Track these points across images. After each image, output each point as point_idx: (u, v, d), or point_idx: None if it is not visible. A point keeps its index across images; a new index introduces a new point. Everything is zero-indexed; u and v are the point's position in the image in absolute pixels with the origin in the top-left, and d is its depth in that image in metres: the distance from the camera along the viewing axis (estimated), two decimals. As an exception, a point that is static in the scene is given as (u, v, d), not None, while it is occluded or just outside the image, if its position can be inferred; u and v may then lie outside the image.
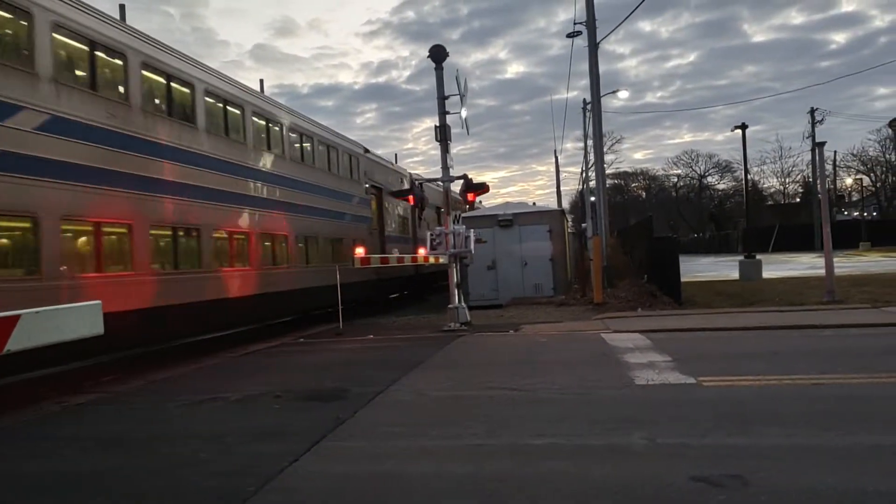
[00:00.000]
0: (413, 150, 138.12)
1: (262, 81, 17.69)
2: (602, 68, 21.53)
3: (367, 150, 22.81)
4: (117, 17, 11.73)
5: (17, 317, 4.36)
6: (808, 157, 61.02)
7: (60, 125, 9.72)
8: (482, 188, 15.23)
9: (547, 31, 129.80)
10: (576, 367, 8.68)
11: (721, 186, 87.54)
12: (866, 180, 74.85)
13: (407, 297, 26.65)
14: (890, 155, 66.42)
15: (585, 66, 20.87)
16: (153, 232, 11.80)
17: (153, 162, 11.76)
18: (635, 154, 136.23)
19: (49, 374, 10.99)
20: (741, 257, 26.19)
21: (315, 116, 19.41)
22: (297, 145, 18.09)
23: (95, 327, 4.73)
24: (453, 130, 15.01)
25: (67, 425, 7.16)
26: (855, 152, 76.07)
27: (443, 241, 14.56)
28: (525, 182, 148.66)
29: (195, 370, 10.58)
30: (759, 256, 25.26)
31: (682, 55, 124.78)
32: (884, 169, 72.87)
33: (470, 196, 15.20)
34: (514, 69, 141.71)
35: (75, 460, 5.66)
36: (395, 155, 30.26)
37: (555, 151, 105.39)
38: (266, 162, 15.89)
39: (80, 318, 4.70)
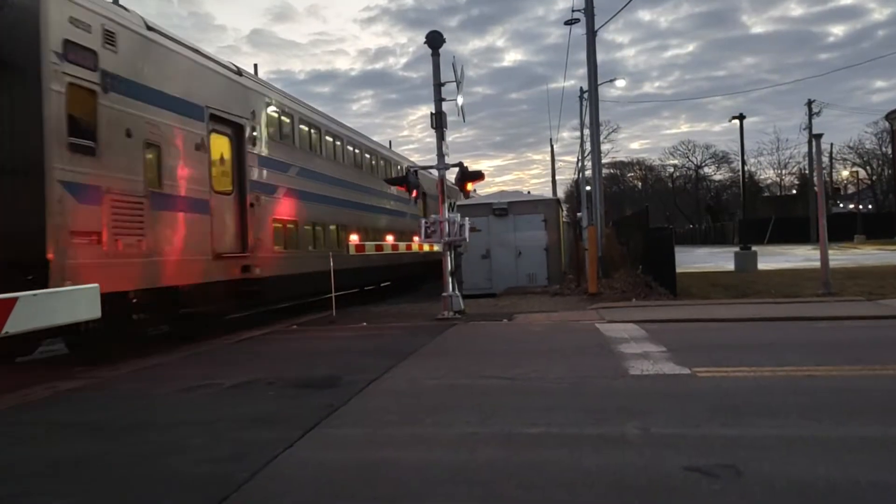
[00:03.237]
0: (409, 138, 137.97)
1: (256, 66, 17.34)
2: (600, 57, 21.47)
3: None
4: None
5: (14, 300, 4.28)
6: (805, 149, 61.30)
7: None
8: (478, 176, 15.19)
9: (545, 20, 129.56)
10: (570, 357, 8.66)
11: (718, 177, 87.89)
12: (862, 173, 75.06)
13: (399, 287, 26.31)
14: (886, 148, 66.45)
15: (583, 55, 20.72)
16: None
17: None
18: (632, 144, 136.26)
19: (36, 359, 10.95)
20: (737, 249, 26.18)
21: (312, 103, 18.73)
22: None
23: (93, 311, 4.65)
24: (449, 118, 14.94)
25: (55, 410, 7.11)
26: (851, 145, 76.38)
27: (437, 229, 14.54)
28: (520, 171, 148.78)
29: (186, 357, 10.52)
30: (754, 248, 25.25)
31: (680, 45, 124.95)
32: (880, 162, 72.98)
33: (467, 185, 15.17)
34: (512, 57, 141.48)
35: (61, 446, 5.62)
36: (390, 142, 29.72)
37: (550, 140, 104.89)
38: None
39: (76, 302, 4.61)
